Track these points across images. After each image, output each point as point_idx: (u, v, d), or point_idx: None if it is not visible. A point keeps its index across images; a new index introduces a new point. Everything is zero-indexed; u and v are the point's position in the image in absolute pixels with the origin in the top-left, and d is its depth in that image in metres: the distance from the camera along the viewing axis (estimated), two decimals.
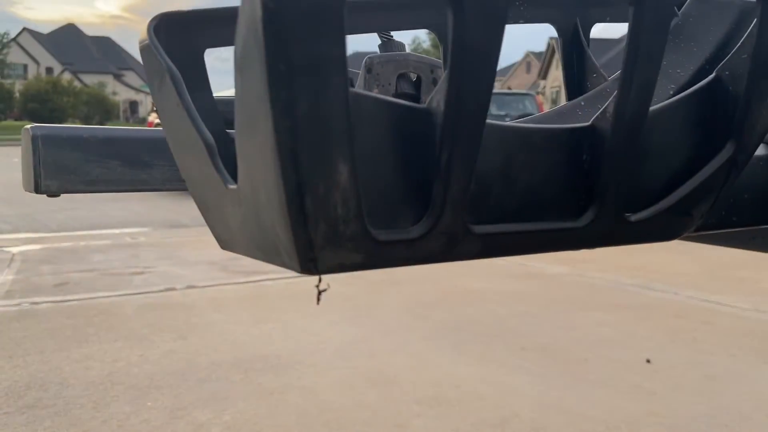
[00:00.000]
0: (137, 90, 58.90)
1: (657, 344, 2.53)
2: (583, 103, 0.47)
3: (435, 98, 0.31)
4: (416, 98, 0.64)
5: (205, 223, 0.35)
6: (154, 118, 8.23)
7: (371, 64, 0.55)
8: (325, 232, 0.27)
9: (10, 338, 2.54)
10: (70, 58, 54.96)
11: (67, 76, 45.57)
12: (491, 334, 2.61)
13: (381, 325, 2.76)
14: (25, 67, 52.35)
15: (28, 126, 0.57)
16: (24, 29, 55.58)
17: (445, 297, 3.22)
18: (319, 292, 0.30)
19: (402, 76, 0.62)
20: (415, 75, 0.62)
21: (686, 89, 0.45)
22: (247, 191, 0.29)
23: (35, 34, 56.03)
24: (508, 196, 0.33)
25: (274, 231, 0.28)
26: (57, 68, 52.75)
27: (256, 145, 0.26)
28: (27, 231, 5.44)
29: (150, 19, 0.34)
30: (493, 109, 8.32)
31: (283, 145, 0.24)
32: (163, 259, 4.30)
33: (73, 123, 35.83)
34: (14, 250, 4.48)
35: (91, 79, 51.55)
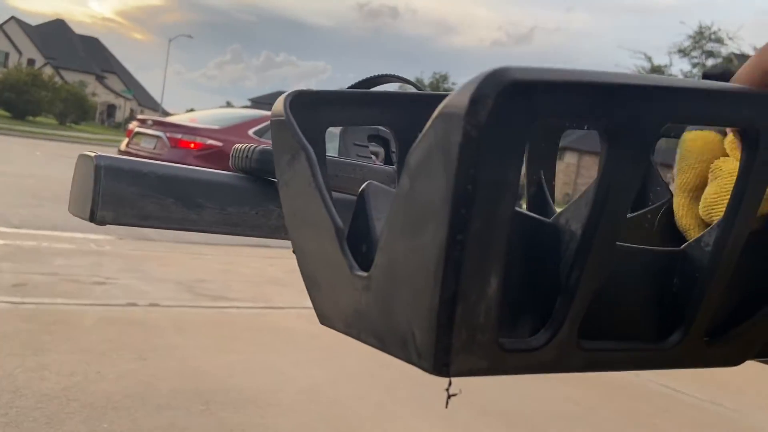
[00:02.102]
0: (117, 94, 58.30)
1: (618, 426, 2.55)
2: (649, 216, 0.50)
3: (564, 216, 0.32)
4: (387, 155, 0.67)
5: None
6: (134, 126, 8.13)
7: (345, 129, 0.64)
8: (464, 340, 0.28)
9: None
10: (55, 52, 54.33)
11: (48, 71, 44.93)
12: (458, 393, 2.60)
13: (345, 369, 2.73)
14: (7, 55, 51.53)
15: (91, 154, 0.57)
16: (12, 17, 54.88)
17: None
18: (449, 396, 0.31)
19: (372, 137, 0.67)
20: (385, 134, 0.69)
21: None
22: (381, 283, 0.30)
23: (23, 24, 55.34)
24: (608, 313, 0.35)
25: (410, 329, 0.28)
26: (39, 61, 52.02)
27: (415, 249, 0.27)
28: None
29: (285, 94, 0.35)
30: None
31: (451, 256, 0.26)
32: (126, 272, 4.21)
33: (47, 118, 35.19)
34: None
35: (72, 77, 50.92)
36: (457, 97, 0.24)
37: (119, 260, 4.55)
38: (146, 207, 0.58)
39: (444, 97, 0.48)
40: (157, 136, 7.53)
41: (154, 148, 7.47)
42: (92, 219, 0.56)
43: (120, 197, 0.57)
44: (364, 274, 0.31)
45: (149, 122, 7.93)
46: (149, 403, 2.07)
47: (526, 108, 0.25)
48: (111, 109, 58.51)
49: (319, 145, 0.37)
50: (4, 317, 2.77)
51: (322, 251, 0.33)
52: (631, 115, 0.28)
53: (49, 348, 2.45)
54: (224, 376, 2.46)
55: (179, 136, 7.46)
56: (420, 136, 0.26)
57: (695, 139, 0.42)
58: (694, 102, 0.30)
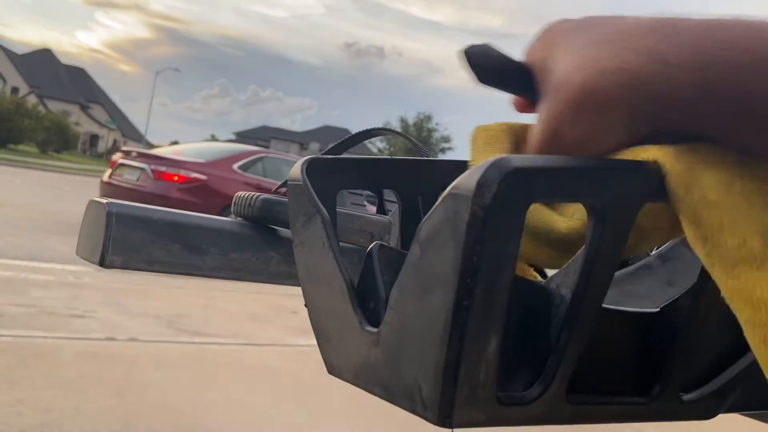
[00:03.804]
0: (101, 124, 58.18)
1: None
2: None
3: (555, 280, 0.36)
4: (380, 203, 0.71)
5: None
6: (118, 157, 8.11)
7: None
8: (466, 394, 0.31)
9: None
10: (40, 82, 54.29)
11: (32, 99, 44.79)
12: None
13: (325, 410, 2.72)
14: None
15: (103, 200, 0.60)
16: None
17: None
18: None
19: None
20: None
21: None
22: (391, 339, 0.33)
23: (9, 53, 55.33)
24: (594, 369, 0.38)
25: (416, 383, 0.31)
26: (24, 89, 51.89)
27: (424, 311, 0.30)
28: None
29: (301, 160, 0.38)
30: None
31: (457, 319, 0.29)
32: (105, 305, 4.16)
33: (29, 146, 34.95)
34: None
35: (56, 106, 50.82)
36: (466, 181, 0.28)
37: (98, 293, 4.50)
38: (153, 252, 0.61)
39: (442, 162, 0.51)
40: (141, 168, 7.51)
41: (138, 180, 7.44)
42: (102, 263, 0.59)
43: (129, 243, 0.59)
44: (374, 329, 0.34)
45: (133, 154, 7.92)
46: None
47: (525, 191, 0.28)
48: (94, 139, 58.30)
49: (331, 206, 0.40)
50: None
51: (333, 306, 0.36)
52: (614, 193, 0.32)
53: (26, 382, 2.42)
54: (203, 414, 2.43)
55: (163, 168, 7.45)
56: (431, 211, 0.30)
57: (480, 131, 0.39)
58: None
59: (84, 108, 57.32)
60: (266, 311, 4.56)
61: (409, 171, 0.46)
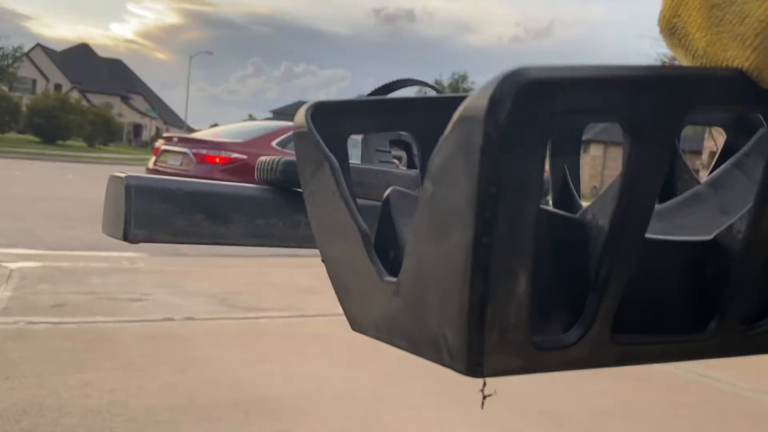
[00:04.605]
0: (143, 114, 59.40)
1: (658, 419, 2.51)
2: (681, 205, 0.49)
3: (590, 211, 0.32)
4: (410, 158, 0.67)
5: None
6: (161, 144, 8.25)
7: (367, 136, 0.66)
8: (497, 339, 0.28)
9: (7, 358, 2.51)
10: (80, 77, 55.55)
11: (75, 95, 45.94)
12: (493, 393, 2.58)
13: (382, 374, 2.74)
14: (34, 82, 52.84)
15: (121, 174, 0.59)
16: (38, 45, 56.32)
17: None
18: (484, 397, 0.31)
19: (394, 142, 0.68)
20: (406, 138, 0.69)
21: None
22: (411, 287, 0.30)
23: (48, 51, 56.72)
24: (640, 306, 0.35)
25: (441, 331, 0.29)
26: (66, 86, 53.25)
27: (442, 252, 0.27)
28: (25, 247, 5.39)
29: (305, 106, 0.36)
30: None
31: (478, 258, 0.26)
32: (161, 287, 4.27)
33: (76, 141, 35.97)
34: (12, 266, 4.44)
35: (98, 100, 52.05)
36: (476, 100, 0.25)
37: (153, 276, 4.62)
38: (177, 224, 0.60)
39: (460, 98, 0.48)
40: (183, 153, 7.64)
41: (181, 165, 7.58)
42: (125, 238, 0.57)
43: (151, 216, 0.58)
44: (393, 279, 0.31)
45: (175, 139, 8.05)
46: (191, 416, 2.10)
47: (545, 107, 0.25)
48: (137, 128, 59.59)
49: (342, 154, 0.37)
50: (46, 337, 2.83)
51: (350, 259, 0.34)
52: (653, 106, 0.28)
53: (90, 365, 2.50)
54: (261, 385, 2.48)
55: (204, 151, 7.56)
56: (440, 140, 0.27)
57: None
58: (714, 88, 0.30)
59: (125, 99, 58.50)
60: (315, 283, 4.60)
61: (424, 110, 0.42)
